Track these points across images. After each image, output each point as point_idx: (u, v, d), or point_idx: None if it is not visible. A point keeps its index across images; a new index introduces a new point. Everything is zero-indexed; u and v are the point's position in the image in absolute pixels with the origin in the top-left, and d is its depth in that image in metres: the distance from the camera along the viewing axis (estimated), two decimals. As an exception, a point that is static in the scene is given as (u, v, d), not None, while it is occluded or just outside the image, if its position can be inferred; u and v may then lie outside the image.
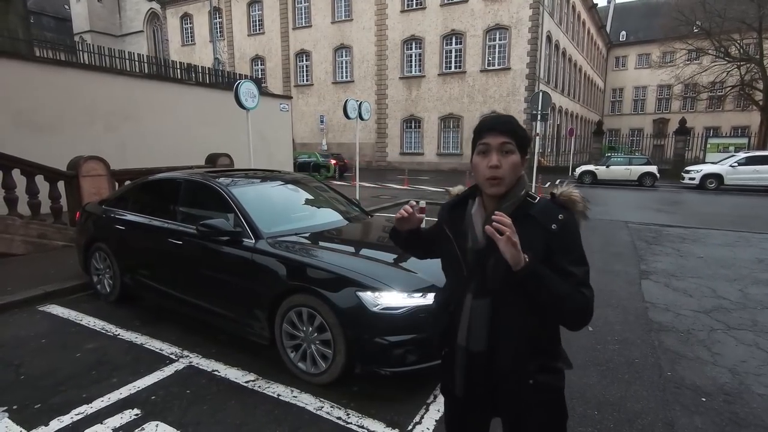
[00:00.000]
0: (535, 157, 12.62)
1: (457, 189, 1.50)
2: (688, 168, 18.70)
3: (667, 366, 3.34)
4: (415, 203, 1.57)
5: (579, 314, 1.22)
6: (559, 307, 1.21)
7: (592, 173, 19.54)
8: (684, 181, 18.11)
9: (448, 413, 1.51)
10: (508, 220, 1.13)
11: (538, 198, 1.29)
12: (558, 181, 20.07)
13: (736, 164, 17.13)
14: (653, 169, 18.75)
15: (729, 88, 26.86)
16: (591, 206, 1.29)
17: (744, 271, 5.95)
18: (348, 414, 2.67)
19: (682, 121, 23.22)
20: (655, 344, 3.71)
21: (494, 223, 1.13)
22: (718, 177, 17.25)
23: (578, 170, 20.14)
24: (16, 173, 6.21)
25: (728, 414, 2.74)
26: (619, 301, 4.72)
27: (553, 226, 1.22)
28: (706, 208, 12.39)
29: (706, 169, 17.80)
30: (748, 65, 25.10)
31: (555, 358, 1.32)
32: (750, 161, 17.01)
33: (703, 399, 2.91)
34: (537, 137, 13.29)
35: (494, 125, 1.24)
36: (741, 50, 25.09)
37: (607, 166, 19.46)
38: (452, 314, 1.35)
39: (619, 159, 20.24)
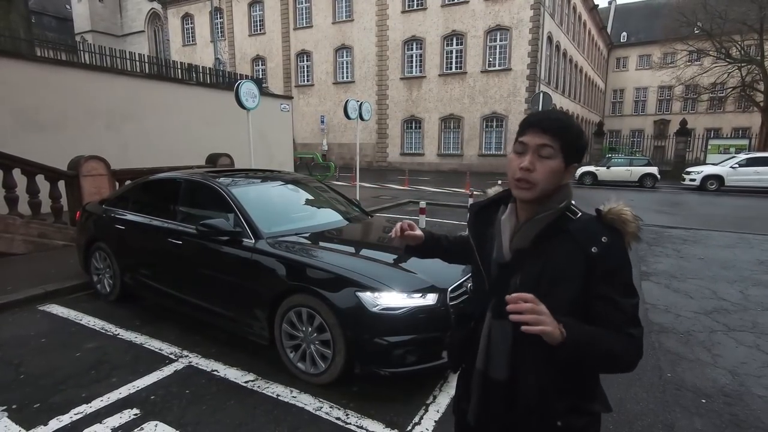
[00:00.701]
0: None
1: (494, 190, 1.33)
2: (688, 169, 18.68)
3: (667, 367, 3.34)
4: (401, 228, 1.42)
5: (630, 365, 1.06)
6: (608, 364, 1.07)
7: (592, 174, 19.53)
8: (685, 183, 18.09)
9: None
10: (524, 303, 0.96)
11: (581, 213, 1.11)
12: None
13: (737, 165, 17.11)
14: (654, 170, 18.73)
15: (730, 90, 26.83)
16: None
17: (745, 273, 5.94)
18: (347, 414, 2.67)
19: (683, 122, 23.21)
20: (655, 345, 3.70)
21: (510, 305, 0.97)
22: (718, 178, 17.22)
23: (579, 171, 20.12)
24: (16, 173, 6.21)
25: (728, 416, 2.74)
26: (620, 302, 4.71)
27: (594, 249, 1.03)
28: (706, 210, 12.38)
29: (707, 170, 17.78)
30: (749, 66, 25.07)
31: (590, 398, 1.13)
32: (751, 162, 16.99)
33: (704, 401, 2.90)
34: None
35: (538, 122, 1.06)
36: (742, 51, 25.06)
37: (608, 167, 19.45)
38: (473, 330, 1.20)
39: (619, 160, 20.21)
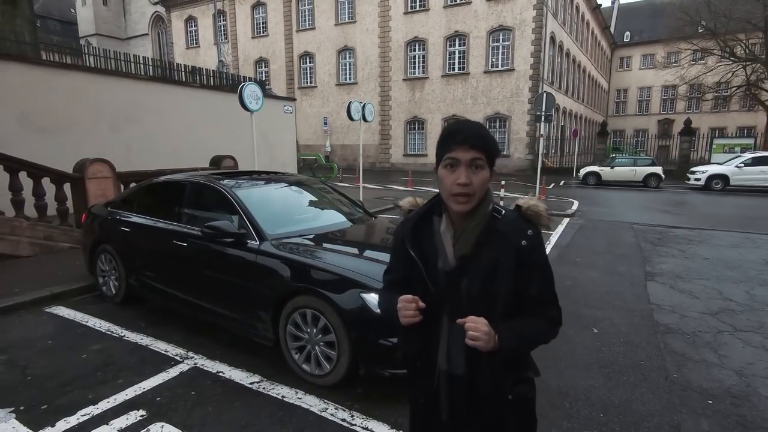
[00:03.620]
0: (539, 158, 12.58)
1: (408, 202, 1.40)
2: (693, 169, 18.58)
3: (673, 368, 3.32)
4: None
5: (549, 340, 1.27)
6: (535, 347, 1.28)
7: (596, 174, 19.46)
8: (689, 182, 18.00)
9: (417, 424, 1.46)
10: (482, 328, 1.11)
11: (504, 211, 1.23)
12: (558, 183, 20.10)
13: (742, 165, 17.01)
14: (658, 170, 18.64)
15: (734, 89, 26.69)
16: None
17: (751, 273, 5.90)
18: (352, 416, 2.68)
19: (687, 122, 23.09)
20: (660, 346, 3.69)
21: (470, 333, 1.11)
22: (723, 178, 17.13)
23: (582, 171, 20.06)
24: (22, 175, 6.25)
25: (735, 417, 2.72)
26: (625, 303, 4.70)
27: (524, 243, 1.18)
28: (711, 209, 12.31)
29: (712, 169, 17.68)
30: (753, 65, 24.95)
31: (526, 368, 1.31)
32: (756, 162, 16.88)
33: (710, 401, 2.89)
34: (541, 138, 13.23)
35: (466, 138, 1.13)
36: (747, 50, 24.93)
37: (612, 167, 19.38)
38: (430, 335, 1.28)
39: (623, 160, 20.13)
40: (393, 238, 1.40)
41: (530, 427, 1.34)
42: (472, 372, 1.23)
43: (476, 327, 1.11)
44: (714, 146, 22.86)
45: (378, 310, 2.70)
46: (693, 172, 18.12)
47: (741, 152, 19.93)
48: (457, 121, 1.21)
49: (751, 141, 23.53)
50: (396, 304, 1.24)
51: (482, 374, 1.23)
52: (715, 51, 25.57)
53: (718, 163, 18.69)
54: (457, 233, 1.21)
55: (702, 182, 17.38)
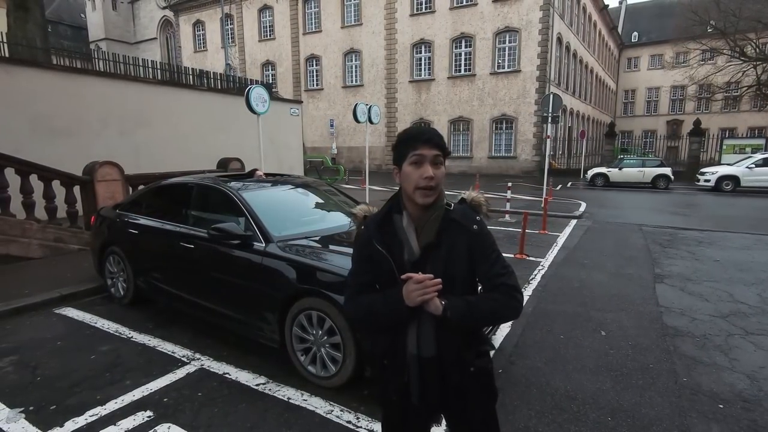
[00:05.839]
0: (547, 159, 12.50)
1: (361, 209, 1.50)
2: (703, 170, 18.37)
3: (682, 372, 3.28)
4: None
5: (513, 312, 1.37)
6: (494, 319, 1.50)
7: (604, 176, 19.30)
8: (699, 183, 17.80)
9: (391, 423, 1.53)
10: (435, 281, 1.26)
11: (453, 204, 1.40)
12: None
13: (753, 166, 16.77)
14: (667, 171, 18.45)
15: (745, 88, 26.35)
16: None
17: (762, 275, 5.82)
18: (358, 418, 2.67)
19: (697, 122, 22.84)
20: (670, 349, 3.64)
21: (422, 285, 1.25)
22: (734, 179, 16.91)
23: (590, 173, 19.91)
24: (33, 178, 6.34)
25: (747, 421, 2.68)
26: (633, 306, 4.65)
27: (474, 227, 1.36)
28: (722, 211, 12.16)
29: (722, 170, 17.47)
30: (764, 65, 24.61)
31: (483, 342, 1.47)
32: (767, 163, 16.66)
33: (721, 406, 2.84)
34: (548, 140, 13.15)
35: (430, 138, 1.30)
36: (757, 49, 24.60)
37: (620, 169, 19.20)
38: (397, 328, 1.39)
39: (632, 161, 19.94)
40: (355, 242, 1.49)
41: (491, 397, 1.48)
42: (440, 352, 1.36)
43: (430, 283, 1.25)
44: (724, 147, 22.58)
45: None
46: (703, 173, 17.91)
47: (752, 153, 19.66)
48: (417, 127, 1.39)
49: (762, 141, 23.18)
50: (376, 302, 1.37)
51: (448, 351, 1.36)
52: (724, 51, 25.25)
53: (728, 164, 18.46)
54: (419, 226, 1.36)
55: (712, 183, 17.18)
